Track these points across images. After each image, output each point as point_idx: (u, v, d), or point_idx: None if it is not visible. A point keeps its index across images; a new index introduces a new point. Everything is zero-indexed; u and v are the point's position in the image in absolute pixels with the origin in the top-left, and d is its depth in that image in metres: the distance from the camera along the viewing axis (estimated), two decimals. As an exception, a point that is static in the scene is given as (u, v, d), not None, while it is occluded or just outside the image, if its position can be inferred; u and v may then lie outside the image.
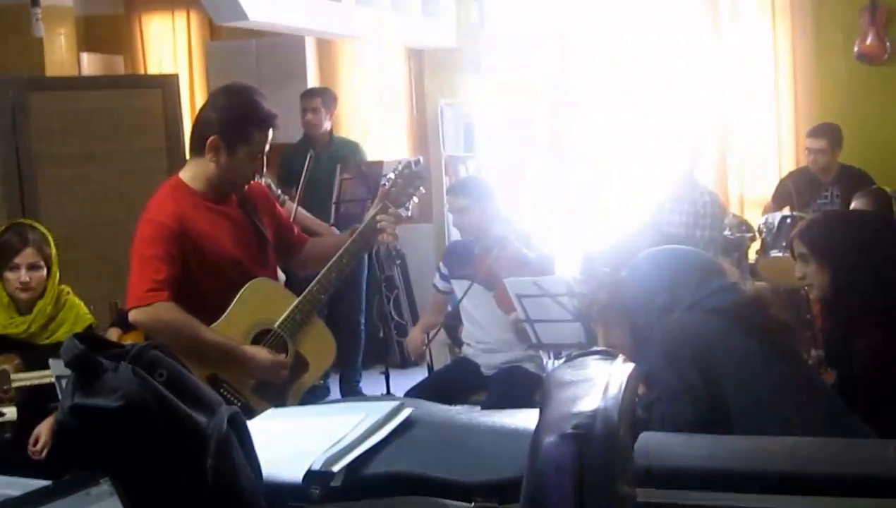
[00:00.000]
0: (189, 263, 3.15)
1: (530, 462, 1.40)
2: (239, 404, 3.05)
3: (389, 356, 6.02)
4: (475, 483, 1.65)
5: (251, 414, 2.04)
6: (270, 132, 3.24)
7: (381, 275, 6.59)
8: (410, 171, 3.43)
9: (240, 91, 3.28)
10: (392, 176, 3.43)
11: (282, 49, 7.12)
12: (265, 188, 3.66)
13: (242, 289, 3.21)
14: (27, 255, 3.84)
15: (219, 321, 3.17)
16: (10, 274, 3.84)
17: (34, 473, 2.70)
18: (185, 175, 3.27)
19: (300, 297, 3.28)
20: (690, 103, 7.12)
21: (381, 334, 6.35)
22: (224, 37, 7.39)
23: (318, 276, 3.31)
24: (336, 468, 1.70)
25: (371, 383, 6.21)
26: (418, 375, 5.37)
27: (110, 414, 1.55)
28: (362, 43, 7.31)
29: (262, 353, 3.20)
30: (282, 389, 3.25)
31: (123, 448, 1.57)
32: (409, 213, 3.47)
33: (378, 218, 3.35)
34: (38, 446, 3.78)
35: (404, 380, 5.32)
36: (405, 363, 6.30)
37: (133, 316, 3.14)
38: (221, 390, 3.13)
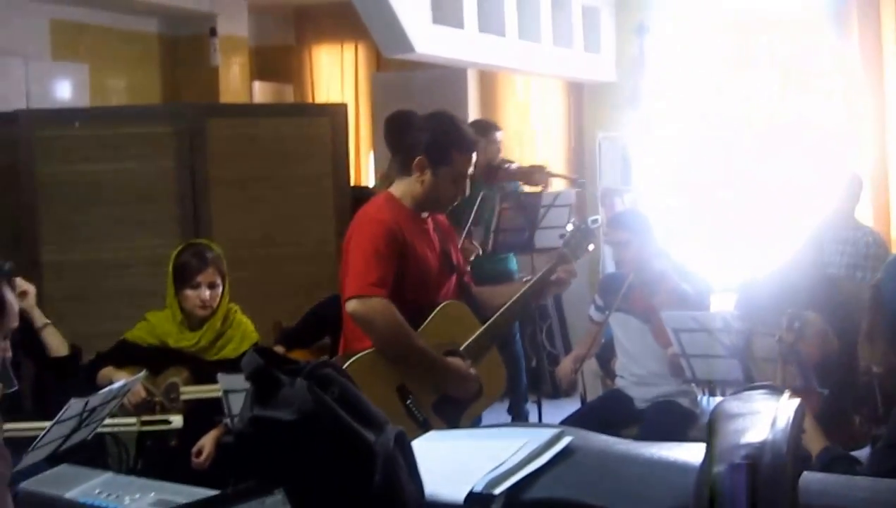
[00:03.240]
0: (398, 270, 3.34)
1: (697, 493, 1.40)
2: (421, 419, 3.25)
3: (542, 386, 6.03)
4: (637, 514, 1.65)
5: (428, 429, 2.11)
6: (473, 156, 3.48)
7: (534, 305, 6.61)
8: (587, 228, 3.62)
9: (444, 116, 3.56)
10: (570, 228, 3.63)
11: (444, 81, 7.25)
12: (449, 224, 3.80)
13: (439, 307, 3.42)
14: (208, 275, 4.02)
15: (416, 331, 3.35)
16: (189, 292, 4.02)
17: (196, 481, 2.84)
18: (396, 191, 3.51)
19: (484, 327, 3.45)
20: (851, 135, 6.94)
21: (534, 364, 6.36)
22: (390, 68, 7.57)
23: (500, 311, 3.48)
24: (497, 490, 1.72)
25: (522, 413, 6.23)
26: (570, 406, 5.36)
27: (286, 427, 1.61)
28: (523, 76, 7.38)
29: (461, 364, 3.37)
30: (459, 411, 3.39)
31: (296, 460, 1.63)
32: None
33: (558, 269, 3.50)
34: (202, 458, 3.93)
35: (556, 410, 5.32)
36: (557, 393, 6.30)
37: (351, 306, 3.31)
38: (408, 402, 3.28)
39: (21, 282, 3.96)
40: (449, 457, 1.94)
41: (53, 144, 4.93)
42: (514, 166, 6.41)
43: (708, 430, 1.44)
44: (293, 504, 1.58)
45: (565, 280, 3.54)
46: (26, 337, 4.07)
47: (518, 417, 6.22)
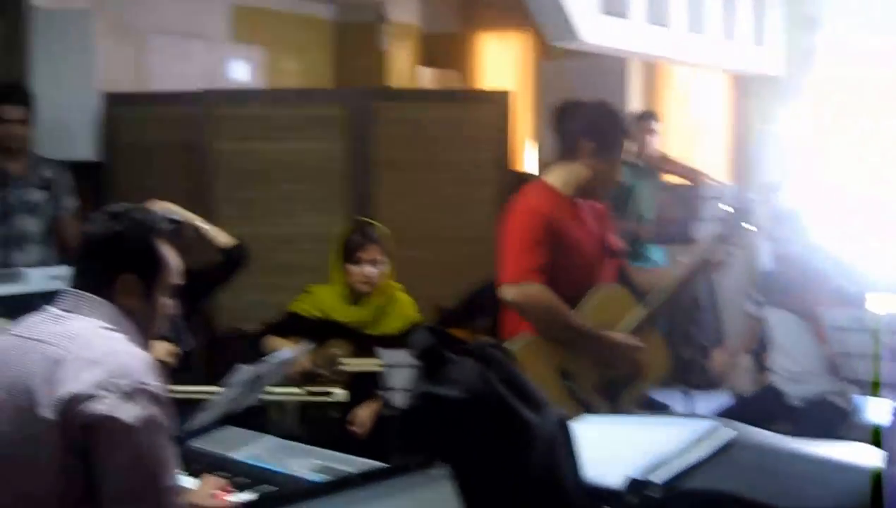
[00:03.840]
0: (555, 256, 3.40)
1: (874, 494, 1.42)
2: (583, 400, 3.30)
3: (693, 377, 5.98)
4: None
5: (591, 411, 2.17)
6: (630, 145, 3.51)
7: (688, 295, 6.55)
8: (744, 211, 3.63)
9: (606, 104, 3.64)
10: (728, 211, 3.62)
11: (607, 70, 7.23)
12: (606, 209, 3.85)
13: (597, 291, 3.47)
14: (372, 251, 4.17)
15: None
16: (353, 268, 4.17)
17: (353, 453, 2.96)
18: (552, 178, 3.57)
19: (645, 308, 3.50)
20: None
21: (685, 354, 6.31)
22: (554, 57, 7.59)
23: (660, 291, 3.52)
24: (657, 479, 1.76)
25: (672, 402, 6.19)
26: (720, 398, 5.32)
27: (453, 404, 1.70)
28: (685, 67, 7.30)
29: (621, 335, 3.43)
30: (620, 392, 3.44)
31: (461, 437, 1.71)
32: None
33: (715, 250, 3.52)
34: (360, 428, 4.08)
35: (706, 402, 5.29)
36: (707, 385, 6.24)
37: (507, 291, 3.40)
38: (569, 383, 3.35)
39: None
40: (608, 443, 1.98)
41: (231, 123, 5.15)
42: (677, 162, 6.40)
43: (887, 435, 1.45)
44: (457, 479, 1.66)
45: (723, 261, 3.56)
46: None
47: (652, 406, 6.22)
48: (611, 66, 7.18)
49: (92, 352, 2.22)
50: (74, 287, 2.38)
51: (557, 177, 3.55)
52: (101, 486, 2.17)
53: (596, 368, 3.41)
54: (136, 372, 2.22)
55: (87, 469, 2.17)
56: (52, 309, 2.38)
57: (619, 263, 3.69)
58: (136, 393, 2.17)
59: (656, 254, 6.23)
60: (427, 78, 7.60)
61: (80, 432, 2.14)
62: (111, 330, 2.33)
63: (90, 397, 2.14)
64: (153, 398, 2.20)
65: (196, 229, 4.26)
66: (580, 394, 3.32)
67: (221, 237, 4.33)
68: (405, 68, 7.28)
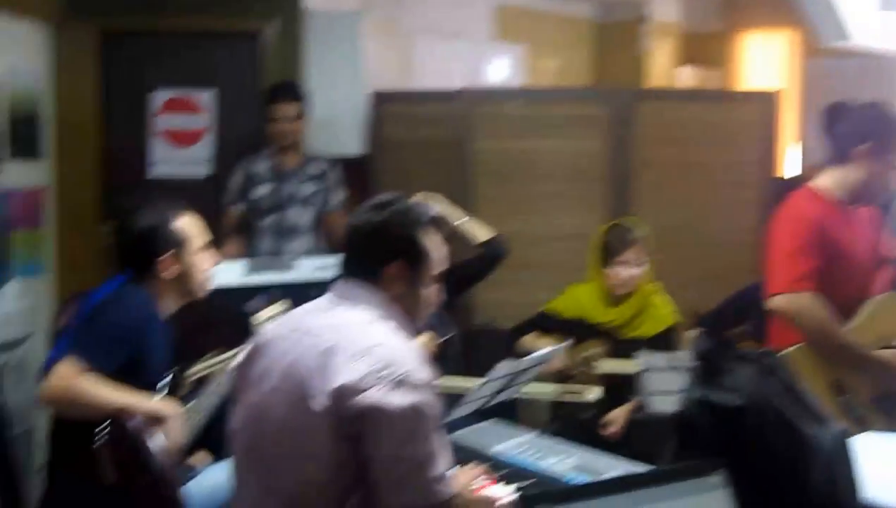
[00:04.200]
0: (825, 265, 3.30)
1: None
2: (858, 415, 3.17)
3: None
4: None
5: (867, 427, 2.07)
6: None
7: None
8: None
9: (884, 105, 3.49)
10: None
11: (878, 69, 6.91)
12: (880, 215, 3.68)
13: (873, 301, 3.36)
14: (631, 253, 4.12)
15: (847, 327, 3.30)
16: (612, 269, 4.13)
17: (609, 453, 2.94)
18: (823, 182, 3.45)
19: None
20: None
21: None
22: (822, 55, 7.31)
23: None
24: None
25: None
26: None
27: (731, 412, 1.66)
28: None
29: None
30: None
31: (739, 444, 1.67)
32: None
33: None
34: (613, 430, 4.05)
35: None
36: None
37: (776, 302, 3.32)
38: (843, 397, 3.23)
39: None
40: (889, 460, 1.90)
41: (492, 122, 5.22)
42: None
43: None
44: (734, 487, 1.62)
45: None
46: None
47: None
48: (882, 65, 6.85)
49: (361, 343, 2.28)
50: (343, 277, 2.45)
51: (828, 182, 3.43)
52: (371, 475, 2.23)
53: (871, 382, 3.25)
54: (405, 361, 2.26)
55: (358, 458, 2.23)
56: (323, 300, 2.47)
57: (893, 271, 3.51)
58: (405, 382, 2.21)
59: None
60: (687, 77, 7.46)
61: (351, 422, 2.21)
62: (380, 320, 2.38)
63: (360, 388, 2.20)
64: (422, 387, 2.24)
65: (455, 224, 4.34)
66: (855, 409, 3.18)
67: (481, 231, 4.40)
68: (665, 67, 7.17)
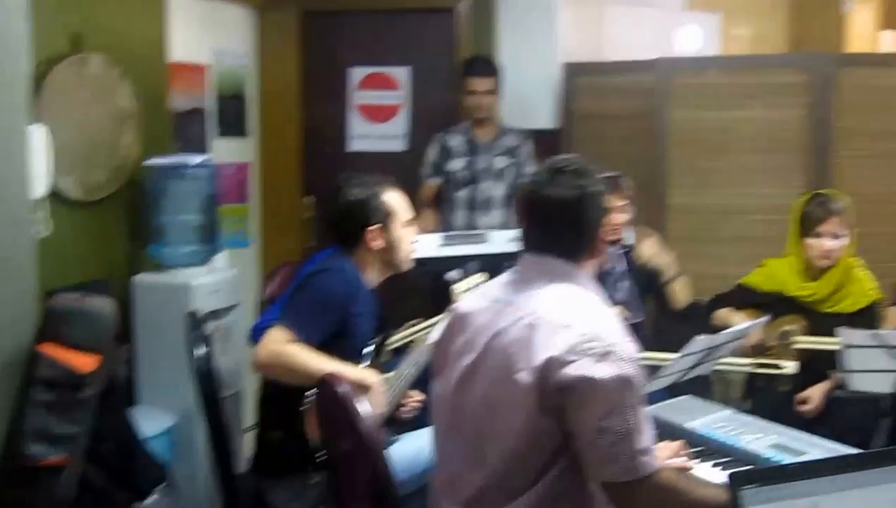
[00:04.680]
0: None
1: None
2: None
3: None
4: None
5: None
6: None
7: None
8: None
9: None
10: None
11: None
12: None
13: None
14: (832, 224, 3.99)
15: None
16: (811, 241, 4.02)
17: (807, 431, 2.88)
18: None
19: None
20: None
21: None
22: None
23: None
24: None
25: None
26: None
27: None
28: None
29: None
30: None
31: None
32: None
33: None
34: (810, 407, 3.96)
35: None
36: None
37: None
38: None
39: (643, 230, 4.26)
40: None
41: (686, 92, 5.14)
42: None
43: None
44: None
45: None
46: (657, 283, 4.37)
47: None
48: None
49: (565, 316, 2.27)
50: (538, 250, 2.42)
51: None
52: (575, 448, 2.24)
53: None
54: (610, 334, 2.25)
55: (561, 431, 2.24)
56: (519, 272, 2.46)
57: None
58: (611, 354, 2.20)
59: None
60: (890, 41, 7.14)
61: (556, 395, 2.21)
62: (581, 293, 2.37)
63: (565, 361, 2.20)
64: (627, 359, 2.22)
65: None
66: None
67: (680, 295, 4.36)
68: (867, 31, 6.89)
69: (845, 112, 4.95)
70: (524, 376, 2.24)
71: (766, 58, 5.65)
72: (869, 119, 4.94)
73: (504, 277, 2.51)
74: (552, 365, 2.21)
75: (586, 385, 2.19)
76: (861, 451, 1.79)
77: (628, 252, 4.33)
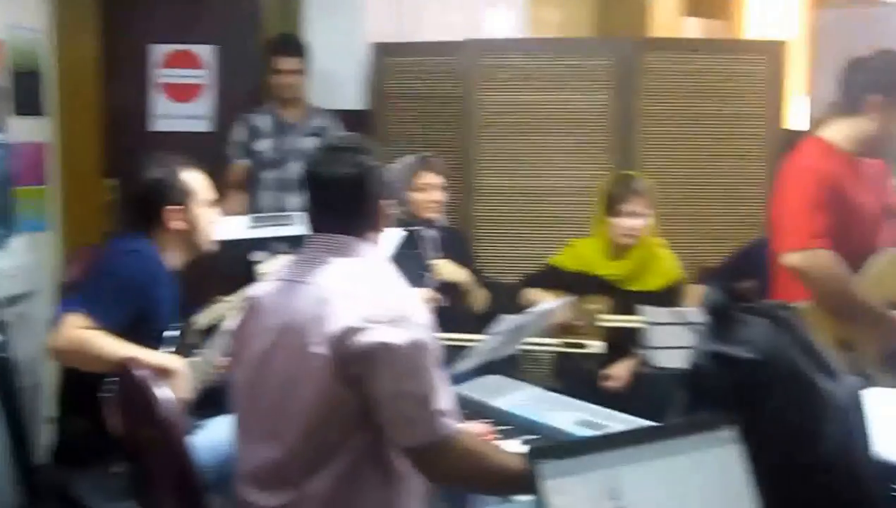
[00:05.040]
0: (836, 220, 3.24)
1: None
2: (864, 373, 3.12)
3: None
4: None
5: (874, 384, 2.07)
6: None
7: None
8: None
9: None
10: None
11: (889, 20, 6.81)
12: (887, 168, 3.64)
13: (880, 257, 3.29)
14: (635, 204, 4.10)
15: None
16: (615, 220, 4.12)
17: (612, 407, 2.94)
18: (831, 134, 3.38)
19: None
20: None
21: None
22: (833, 4, 7.22)
23: None
24: None
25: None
26: None
27: (745, 365, 1.64)
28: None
29: None
30: None
31: (751, 399, 1.65)
32: None
33: None
34: (616, 384, 4.06)
35: None
36: None
37: (791, 259, 3.26)
38: (851, 354, 3.19)
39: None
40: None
41: (493, 74, 5.16)
42: None
43: None
44: (744, 441, 1.61)
45: None
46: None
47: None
48: (891, 14, 6.76)
49: (354, 288, 2.31)
50: (323, 228, 2.45)
51: (838, 133, 3.37)
52: (376, 416, 2.26)
53: (880, 339, 3.23)
54: (402, 301, 2.31)
55: (360, 401, 2.26)
56: (310, 251, 2.47)
57: None
58: (402, 319, 2.25)
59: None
60: (693, 28, 7.38)
61: (352, 364, 2.24)
62: (373, 265, 2.42)
63: (359, 328, 2.23)
64: (418, 323, 2.27)
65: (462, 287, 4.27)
66: (863, 366, 3.15)
67: (480, 302, 4.32)
68: (670, 18, 7.08)
69: (649, 95, 5.08)
70: (319, 348, 2.26)
71: (572, 41, 5.74)
72: (671, 102, 5.08)
73: (293, 258, 2.54)
74: (346, 334, 2.24)
75: (381, 350, 2.22)
76: (656, 424, 1.81)
77: (445, 236, 4.31)
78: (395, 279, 2.42)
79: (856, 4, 6.67)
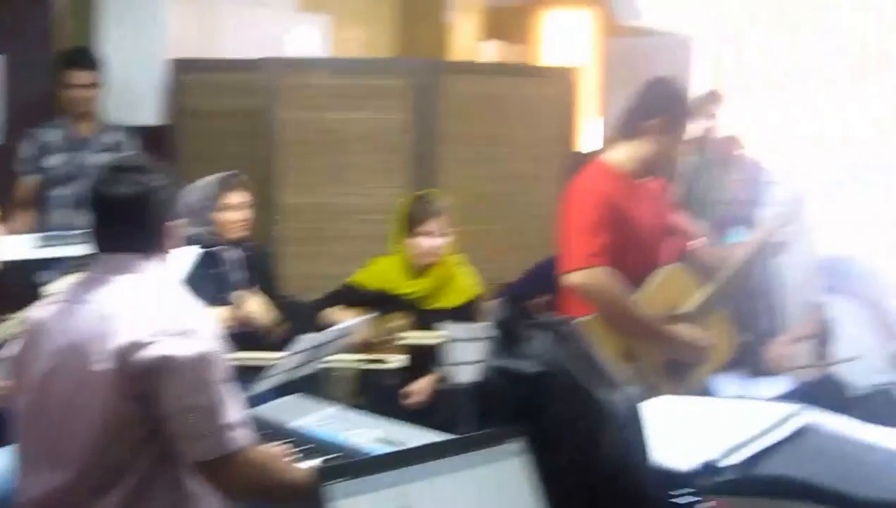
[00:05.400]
0: (616, 238, 3.34)
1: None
2: (648, 382, 3.25)
3: (750, 362, 5.89)
4: (873, 500, 1.64)
5: (657, 394, 2.15)
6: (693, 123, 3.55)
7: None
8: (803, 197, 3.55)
9: (673, 82, 3.58)
10: (792, 193, 3.55)
11: (672, 48, 7.15)
12: (667, 187, 3.79)
13: (660, 272, 3.42)
14: (434, 223, 4.14)
15: (636, 297, 3.36)
16: (416, 240, 4.15)
17: (414, 423, 2.96)
18: (613, 158, 3.50)
19: (708, 289, 3.43)
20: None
21: (747, 339, 6.20)
22: (623, 33, 7.52)
23: (723, 273, 3.44)
24: (730, 462, 1.75)
25: (731, 387, 6.10)
26: (779, 384, 5.23)
27: (528, 379, 1.69)
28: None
29: (686, 330, 3.37)
30: (686, 374, 3.40)
31: (536, 412, 1.69)
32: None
33: (779, 232, 3.46)
34: (416, 400, 4.09)
35: (764, 388, 5.20)
36: (765, 371, 6.14)
37: (572, 278, 3.34)
38: (634, 364, 3.30)
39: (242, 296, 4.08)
40: (678, 424, 1.97)
41: (295, 92, 5.15)
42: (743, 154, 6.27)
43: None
44: (531, 453, 1.65)
45: (786, 242, 3.53)
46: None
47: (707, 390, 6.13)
48: (675, 43, 7.11)
49: (139, 303, 2.29)
50: (109, 248, 2.41)
51: (619, 156, 3.50)
52: (165, 428, 2.23)
53: (661, 349, 3.37)
54: (187, 315, 2.29)
55: (147, 417, 2.23)
56: (93, 271, 2.42)
57: (681, 243, 3.64)
58: (187, 332, 2.24)
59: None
60: (491, 52, 7.56)
61: (137, 380, 2.21)
62: (156, 282, 2.39)
63: (144, 343, 2.21)
64: (204, 336, 2.26)
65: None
66: (645, 376, 3.28)
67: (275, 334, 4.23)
68: (469, 41, 7.23)
69: (448, 117, 5.16)
70: (103, 366, 2.22)
71: (372, 62, 5.79)
72: (469, 124, 5.18)
73: (76, 278, 2.48)
74: (131, 349, 2.21)
75: (168, 364, 2.20)
76: (447, 438, 1.83)
77: (251, 255, 4.23)
78: (181, 295, 2.40)
79: (642, 34, 6.97)
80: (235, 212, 4.11)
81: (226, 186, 4.14)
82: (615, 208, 3.37)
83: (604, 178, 3.44)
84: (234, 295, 3.99)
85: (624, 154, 3.49)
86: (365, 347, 4.07)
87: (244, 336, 3.81)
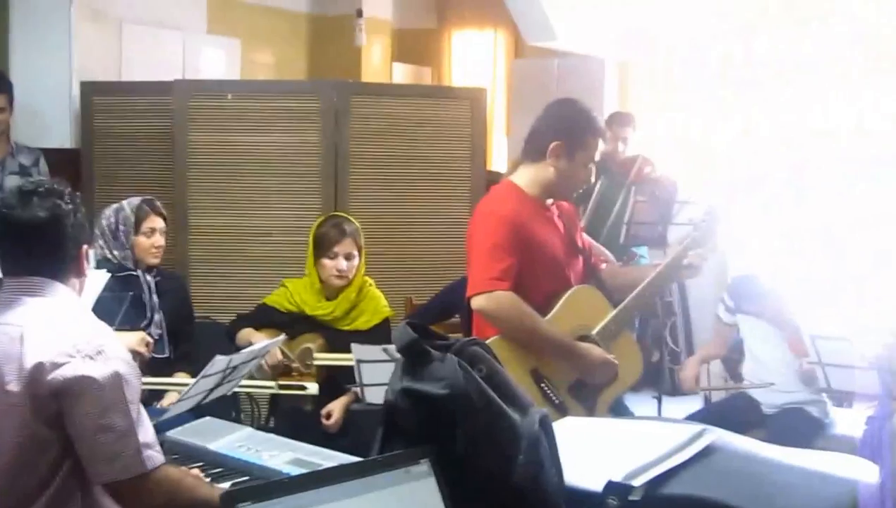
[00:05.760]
0: (523, 260, 3.32)
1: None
2: (556, 402, 3.27)
3: (661, 382, 5.99)
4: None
5: (565, 413, 2.16)
6: (600, 143, 3.48)
7: (659, 300, 6.55)
8: (714, 218, 3.56)
9: (577, 102, 3.52)
10: (704, 215, 3.57)
11: (582, 70, 7.23)
12: (575, 209, 3.81)
13: (568, 293, 3.39)
14: (345, 245, 4.16)
15: (545, 318, 3.34)
16: (327, 262, 4.17)
17: (324, 445, 2.97)
18: (519, 179, 3.48)
19: (617, 309, 3.44)
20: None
21: (655, 359, 6.31)
22: (529, 55, 7.63)
23: (633, 294, 3.46)
24: (637, 482, 1.74)
25: (642, 407, 6.19)
26: (690, 404, 5.32)
27: (435, 401, 1.69)
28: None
29: (595, 350, 3.35)
30: (594, 394, 3.40)
31: (443, 433, 1.69)
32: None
33: (689, 254, 3.48)
34: (331, 421, 4.10)
35: (675, 408, 5.29)
36: (676, 390, 6.25)
37: (477, 302, 3.30)
38: (542, 385, 3.30)
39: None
40: (587, 445, 1.95)
41: (205, 114, 5.15)
42: (655, 174, 6.36)
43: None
44: (439, 476, 1.66)
45: (697, 265, 3.48)
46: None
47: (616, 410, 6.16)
48: (584, 65, 7.19)
49: (50, 324, 2.29)
50: (19, 271, 2.40)
51: (524, 178, 3.46)
52: (78, 449, 2.23)
53: (568, 370, 3.35)
54: (96, 335, 2.30)
55: (60, 437, 2.23)
56: (5, 293, 2.41)
57: (590, 263, 3.66)
58: (100, 353, 2.24)
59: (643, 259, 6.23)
60: (401, 73, 7.62)
61: (50, 400, 2.21)
62: (69, 304, 2.40)
63: (57, 363, 2.21)
64: (116, 357, 2.27)
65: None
66: (553, 396, 3.29)
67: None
68: (379, 63, 7.30)
69: (358, 138, 5.20)
70: (14, 386, 2.22)
71: (283, 84, 5.81)
72: (379, 145, 5.23)
73: None
74: (43, 369, 2.21)
75: (82, 384, 2.20)
76: (357, 460, 1.85)
77: (161, 278, 4.21)
78: (91, 317, 2.40)
79: (546, 55, 7.07)
80: (154, 237, 4.11)
81: (143, 211, 4.12)
82: (521, 230, 3.34)
83: (510, 200, 3.41)
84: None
85: (529, 175, 3.46)
86: (279, 369, 4.07)
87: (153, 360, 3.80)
